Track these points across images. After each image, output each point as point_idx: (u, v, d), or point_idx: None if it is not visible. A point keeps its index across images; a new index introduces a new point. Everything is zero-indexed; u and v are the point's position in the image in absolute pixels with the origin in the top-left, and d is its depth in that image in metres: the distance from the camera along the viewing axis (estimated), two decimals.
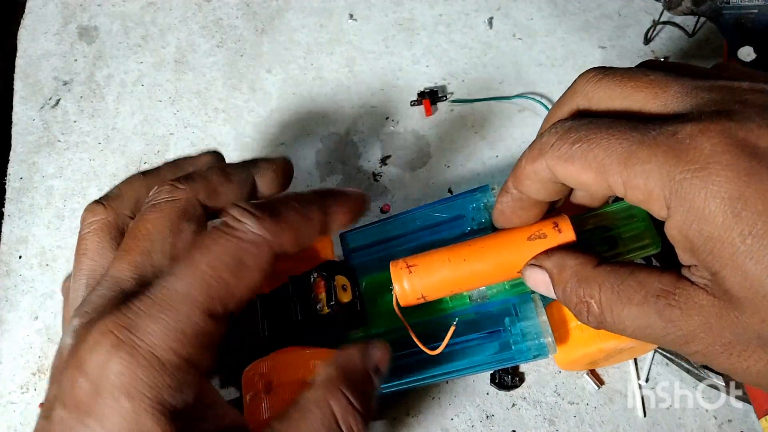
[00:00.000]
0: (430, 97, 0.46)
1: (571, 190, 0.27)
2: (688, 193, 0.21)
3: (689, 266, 0.23)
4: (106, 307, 0.25)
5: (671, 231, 0.22)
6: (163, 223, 0.27)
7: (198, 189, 0.28)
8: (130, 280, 0.26)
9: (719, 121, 0.21)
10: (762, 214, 0.20)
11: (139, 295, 0.24)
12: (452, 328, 0.31)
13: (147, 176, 0.31)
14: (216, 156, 0.33)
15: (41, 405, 0.38)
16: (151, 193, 0.28)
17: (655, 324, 0.23)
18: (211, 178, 0.29)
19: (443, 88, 0.47)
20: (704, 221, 0.21)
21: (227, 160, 0.45)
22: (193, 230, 0.27)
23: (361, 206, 0.30)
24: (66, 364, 0.24)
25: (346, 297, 0.30)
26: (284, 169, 0.31)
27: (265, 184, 0.30)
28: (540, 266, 0.27)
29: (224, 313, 0.25)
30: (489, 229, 0.32)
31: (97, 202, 0.30)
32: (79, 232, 0.29)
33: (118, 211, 0.29)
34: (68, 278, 0.32)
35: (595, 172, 0.23)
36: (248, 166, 0.30)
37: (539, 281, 0.27)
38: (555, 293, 0.27)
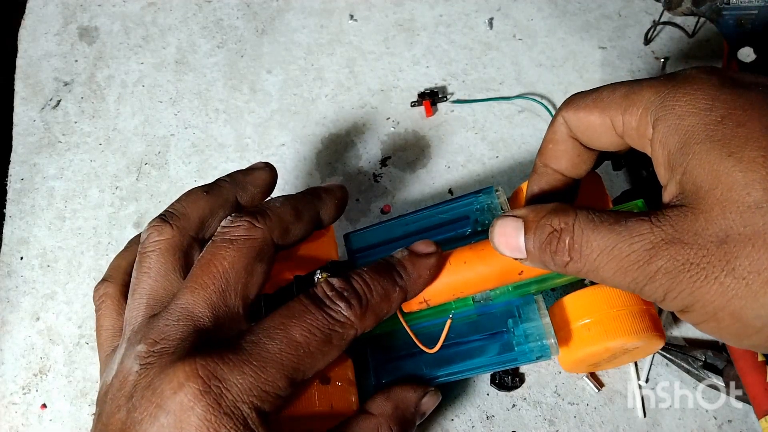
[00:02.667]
0: (431, 97, 0.46)
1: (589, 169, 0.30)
2: (671, 105, 0.24)
3: (664, 186, 0.25)
4: (185, 344, 0.25)
5: (655, 148, 0.24)
6: (240, 264, 0.27)
7: (273, 228, 0.28)
8: (206, 319, 0.26)
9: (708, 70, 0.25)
10: (730, 109, 0.23)
11: (231, 346, 0.25)
12: (449, 322, 0.31)
13: (209, 194, 0.30)
14: (270, 170, 0.33)
15: (43, 406, 0.38)
16: (225, 223, 0.29)
17: (622, 245, 0.23)
18: (285, 217, 0.29)
19: (443, 88, 0.47)
20: (681, 125, 0.23)
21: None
22: (264, 270, 0.28)
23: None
24: (141, 395, 0.24)
25: None
26: (343, 199, 0.33)
27: (326, 216, 0.32)
28: (513, 216, 0.27)
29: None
30: None
31: (164, 220, 0.29)
32: (142, 248, 0.29)
33: (184, 233, 0.29)
34: (103, 285, 0.31)
35: (600, 110, 0.26)
36: (314, 200, 0.31)
37: (509, 232, 0.26)
38: (525, 242, 0.26)
